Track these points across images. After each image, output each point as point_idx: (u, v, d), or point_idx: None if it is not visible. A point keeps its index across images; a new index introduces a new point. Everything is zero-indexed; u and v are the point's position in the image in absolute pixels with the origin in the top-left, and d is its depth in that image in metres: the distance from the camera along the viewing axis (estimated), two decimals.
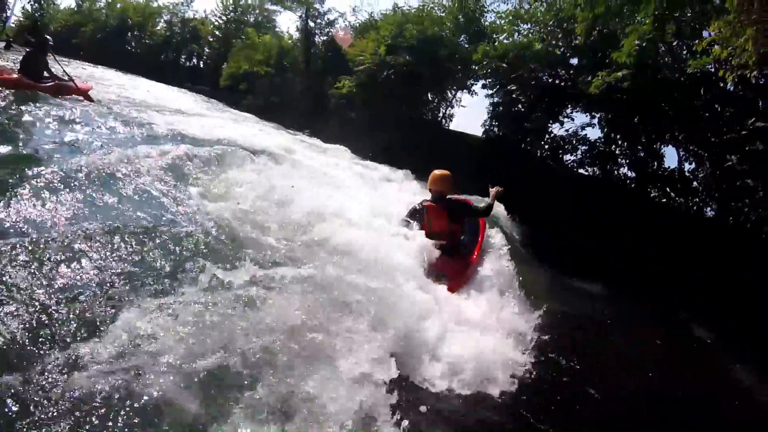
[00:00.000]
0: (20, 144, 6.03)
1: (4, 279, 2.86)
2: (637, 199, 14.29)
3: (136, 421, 2.30)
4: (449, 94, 23.08)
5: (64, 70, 11.42)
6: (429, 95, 22.68)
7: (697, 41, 9.86)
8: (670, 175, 14.41)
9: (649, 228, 11.94)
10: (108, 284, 3.16)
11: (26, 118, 7.19)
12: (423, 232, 5.18)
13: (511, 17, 18.40)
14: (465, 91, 22.31)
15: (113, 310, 2.94)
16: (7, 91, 8.85)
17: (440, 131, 21.91)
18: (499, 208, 10.50)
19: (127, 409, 2.32)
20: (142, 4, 51.32)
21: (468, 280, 5.10)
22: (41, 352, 2.54)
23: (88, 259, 3.29)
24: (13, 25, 34.46)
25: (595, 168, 16.63)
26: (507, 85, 17.82)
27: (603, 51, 13.77)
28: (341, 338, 3.22)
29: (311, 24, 31.26)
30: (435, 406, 3.24)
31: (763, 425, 4.66)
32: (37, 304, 2.79)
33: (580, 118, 20.63)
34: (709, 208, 13.14)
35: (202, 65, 49.59)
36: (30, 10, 43.98)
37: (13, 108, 7.70)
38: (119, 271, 3.32)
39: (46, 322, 2.72)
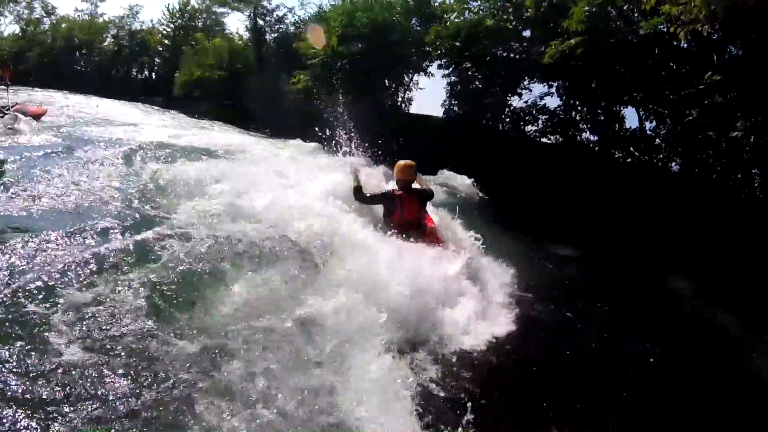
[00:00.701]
0: None
1: None
2: (602, 161, 14.30)
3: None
4: (406, 79, 22.87)
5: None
6: (386, 81, 22.43)
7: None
8: (632, 136, 14.48)
9: (617, 188, 11.96)
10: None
11: None
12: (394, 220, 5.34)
13: None
14: (421, 73, 22.17)
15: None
16: None
17: (401, 116, 21.69)
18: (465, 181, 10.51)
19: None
20: (87, 22, 49.80)
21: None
22: None
23: None
24: None
25: (557, 136, 16.64)
26: (462, 63, 17.70)
27: (554, 21, 13.67)
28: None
29: (261, 22, 30.78)
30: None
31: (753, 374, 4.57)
32: None
33: (538, 88, 20.70)
34: (674, 163, 13.20)
35: (154, 76, 48.42)
36: None
37: None
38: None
39: None
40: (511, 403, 3.38)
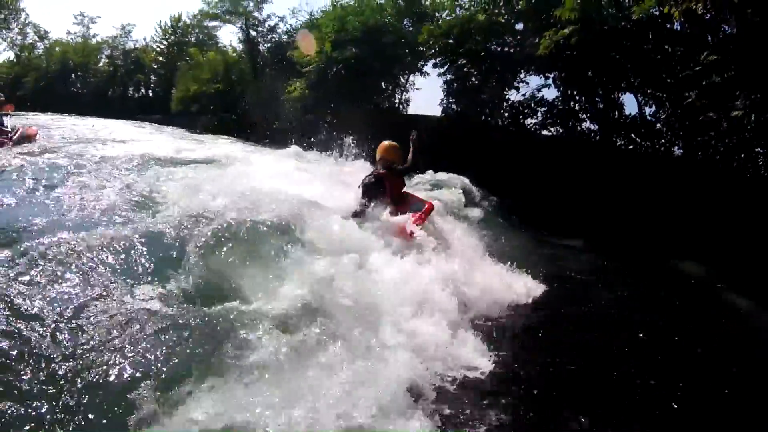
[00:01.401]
0: None
1: None
2: (603, 150, 14.21)
3: None
4: (402, 80, 22.83)
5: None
6: (382, 84, 22.43)
7: None
8: (632, 122, 14.34)
9: (620, 177, 11.88)
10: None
11: None
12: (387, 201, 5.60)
13: None
14: (417, 73, 22.09)
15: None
16: None
17: (399, 117, 21.63)
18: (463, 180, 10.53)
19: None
20: (81, 44, 50.15)
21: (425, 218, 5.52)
22: None
23: None
24: None
25: (557, 127, 16.51)
26: (456, 61, 17.57)
27: (546, 12, 13.60)
28: None
29: (253, 33, 30.82)
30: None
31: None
32: None
33: (535, 80, 20.57)
34: (676, 147, 13.08)
35: (151, 94, 48.62)
36: None
37: None
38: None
39: None
40: (529, 391, 3.32)
